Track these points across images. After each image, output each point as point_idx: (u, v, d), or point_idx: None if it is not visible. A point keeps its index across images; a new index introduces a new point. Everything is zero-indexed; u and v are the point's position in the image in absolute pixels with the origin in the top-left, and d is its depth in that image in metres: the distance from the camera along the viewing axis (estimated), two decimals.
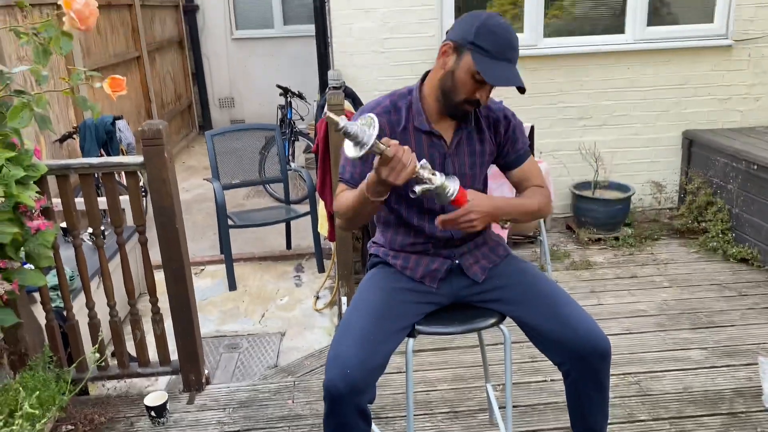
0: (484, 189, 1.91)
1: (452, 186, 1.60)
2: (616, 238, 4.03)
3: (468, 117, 1.77)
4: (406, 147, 1.49)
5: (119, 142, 4.63)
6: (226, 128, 4.33)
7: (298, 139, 5.79)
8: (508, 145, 1.84)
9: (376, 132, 1.44)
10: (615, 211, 4.00)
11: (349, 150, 1.47)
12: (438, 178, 1.58)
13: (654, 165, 4.41)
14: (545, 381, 2.59)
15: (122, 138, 4.69)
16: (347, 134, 1.44)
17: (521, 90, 1.65)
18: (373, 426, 2.06)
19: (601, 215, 4.02)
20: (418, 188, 1.58)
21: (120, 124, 4.65)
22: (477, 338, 2.17)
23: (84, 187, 2.35)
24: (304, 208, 4.26)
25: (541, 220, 3.51)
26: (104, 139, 4.43)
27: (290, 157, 5.67)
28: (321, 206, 3.56)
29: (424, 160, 1.57)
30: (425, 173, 1.56)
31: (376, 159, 1.48)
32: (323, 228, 3.57)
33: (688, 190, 4.15)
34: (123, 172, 2.42)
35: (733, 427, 2.28)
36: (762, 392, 2.43)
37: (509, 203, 1.78)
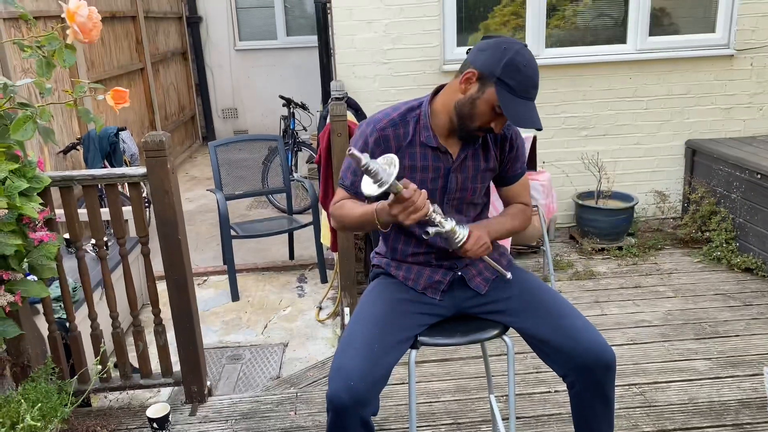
0: (486, 201, 1.92)
1: (462, 232, 1.66)
2: (620, 248, 4.02)
3: (477, 138, 1.79)
4: (423, 192, 1.53)
5: (123, 153, 4.65)
6: (230, 139, 4.35)
7: (300, 150, 5.80)
8: (510, 164, 1.87)
9: (395, 172, 1.46)
10: (618, 220, 3.99)
11: (367, 187, 1.50)
12: (448, 223, 1.63)
13: (657, 174, 4.40)
14: (549, 392, 2.58)
15: (126, 149, 4.71)
16: (368, 171, 1.46)
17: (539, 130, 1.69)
18: None
19: (605, 225, 4.01)
20: (432, 230, 1.61)
21: (123, 135, 4.67)
22: (480, 349, 2.15)
23: (87, 198, 2.35)
24: (307, 218, 4.26)
25: (545, 231, 3.50)
26: (108, 150, 4.45)
27: (293, 168, 5.69)
28: (324, 217, 3.56)
29: (435, 205, 1.61)
30: (437, 217, 1.61)
31: (391, 196, 1.51)
32: (326, 239, 3.57)
33: (692, 200, 4.15)
34: (126, 183, 2.42)
35: None
36: (767, 403, 2.42)
37: (499, 227, 1.83)
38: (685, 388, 2.58)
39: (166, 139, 2.28)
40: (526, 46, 1.64)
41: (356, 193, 1.76)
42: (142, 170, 2.33)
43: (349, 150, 1.45)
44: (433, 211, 1.59)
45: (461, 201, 1.84)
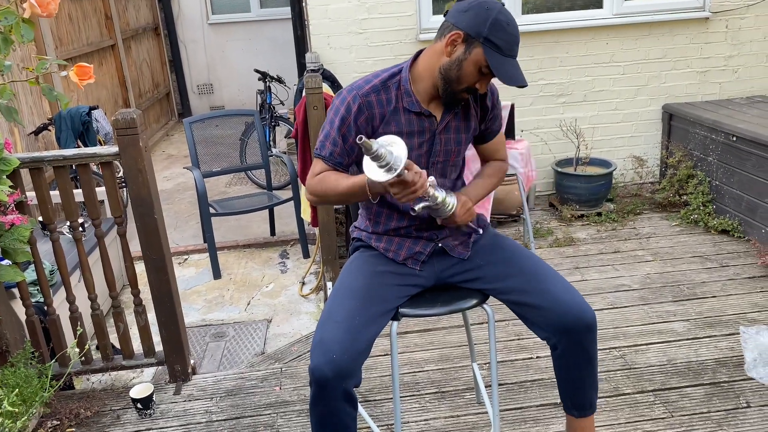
0: (463, 161, 1.92)
1: (452, 202, 1.66)
2: (599, 214, 4.05)
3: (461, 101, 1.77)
4: (423, 173, 1.53)
5: (96, 132, 4.55)
6: (205, 115, 4.28)
7: (278, 124, 5.73)
8: (490, 121, 1.88)
9: (404, 157, 1.45)
10: (597, 187, 4.01)
11: (373, 171, 1.48)
12: (440, 194, 1.63)
13: (635, 140, 4.42)
14: (531, 358, 2.61)
15: (99, 128, 4.61)
16: (378, 157, 1.44)
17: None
18: (361, 409, 2.06)
19: (584, 192, 4.03)
20: (419, 206, 1.60)
21: (96, 114, 4.56)
22: (461, 318, 2.17)
23: (59, 179, 2.30)
24: (287, 194, 4.23)
25: (524, 199, 3.51)
26: (80, 130, 4.36)
27: (271, 143, 5.62)
28: (303, 191, 3.53)
29: (432, 178, 1.60)
30: (431, 190, 1.60)
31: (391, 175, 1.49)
32: (306, 213, 3.55)
33: (669, 164, 4.18)
34: (99, 163, 2.37)
35: (716, 397, 2.31)
36: (744, 361, 2.47)
37: (479, 191, 1.88)
38: (663, 350, 2.62)
39: (137, 116, 2.23)
40: (503, 4, 1.66)
41: (334, 164, 1.74)
42: (114, 149, 2.28)
43: (360, 138, 1.41)
44: (430, 185, 1.58)
45: (445, 164, 1.83)
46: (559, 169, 4.08)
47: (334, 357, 1.55)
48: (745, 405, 2.26)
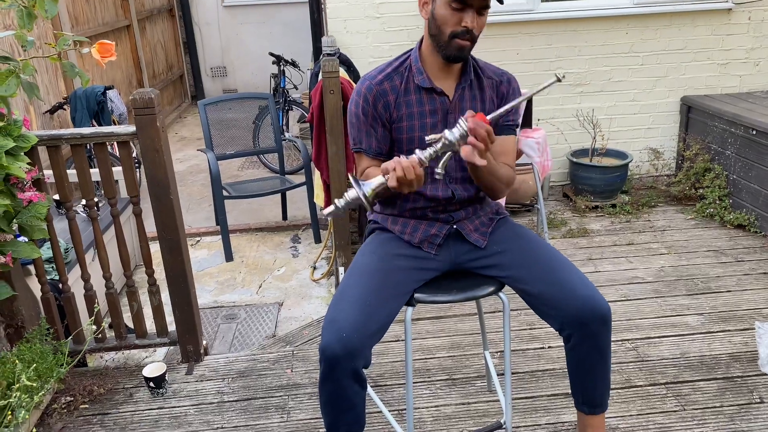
0: None
1: (460, 128, 1.50)
2: (614, 206, 4.02)
3: (467, 58, 1.75)
4: (399, 160, 1.48)
5: (111, 112, 4.56)
6: (219, 97, 4.27)
7: (292, 109, 5.72)
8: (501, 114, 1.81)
9: (362, 191, 1.50)
10: (612, 178, 3.98)
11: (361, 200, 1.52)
12: (442, 137, 1.51)
13: (651, 131, 4.38)
14: (543, 348, 2.60)
15: (114, 108, 4.62)
16: (350, 205, 1.52)
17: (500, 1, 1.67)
18: (373, 393, 2.06)
19: (599, 183, 4.00)
20: (439, 168, 1.52)
21: (111, 94, 4.57)
22: (473, 306, 2.16)
23: (76, 157, 2.31)
24: (300, 178, 4.22)
25: (539, 188, 3.49)
26: (95, 109, 4.37)
27: (284, 127, 5.61)
28: (317, 176, 3.53)
29: (418, 150, 1.52)
30: (431, 151, 1.52)
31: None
32: (319, 198, 3.54)
33: (686, 157, 4.13)
34: (115, 143, 2.37)
35: (729, 392, 2.30)
36: (758, 356, 2.45)
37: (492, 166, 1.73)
38: (677, 343, 2.61)
39: (155, 96, 2.23)
40: None
41: (376, 154, 1.78)
42: (132, 129, 2.28)
43: (321, 209, 1.49)
44: (424, 156, 1.51)
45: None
46: (575, 160, 4.05)
47: (344, 336, 1.55)
48: (758, 400, 2.24)
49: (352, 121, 1.79)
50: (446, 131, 1.51)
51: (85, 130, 2.28)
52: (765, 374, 2.38)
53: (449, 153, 1.52)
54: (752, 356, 2.48)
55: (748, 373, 2.39)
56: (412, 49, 1.81)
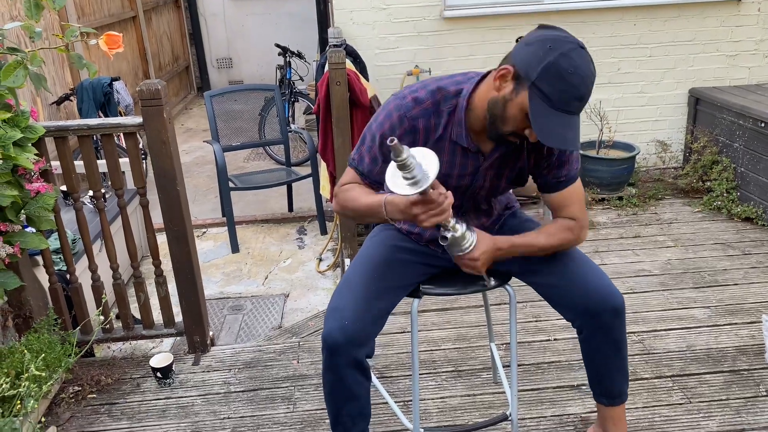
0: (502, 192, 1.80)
1: (472, 238, 1.56)
2: (620, 198, 4.00)
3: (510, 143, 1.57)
4: (450, 194, 1.40)
5: (117, 103, 4.57)
6: (225, 89, 4.27)
7: (297, 100, 5.71)
8: (548, 169, 1.64)
9: (434, 172, 1.32)
10: (619, 170, 3.97)
11: (396, 183, 1.35)
12: (461, 227, 1.52)
13: (659, 124, 4.35)
14: (548, 340, 2.60)
15: (120, 100, 4.63)
16: (405, 166, 1.32)
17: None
18: (379, 384, 2.07)
19: (605, 175, 3.99)
20: (449, 235, 1.50)
21: (117, 85, 4.58)
22: (480, 298, 2.16)
23: (83, 148, 2.31)
24: (306, 170, 4.22)
25: None
26: (102, 101, 4.37)
27: (290, 119, 5.61)
28: (323, 168, 3.52)
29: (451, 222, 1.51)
30: (452, 221, 1.50)
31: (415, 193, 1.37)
32: (325, 190, 3.54)
33: (694, 149, 4.11)
34: (122, 134, 2.38)
35: (735, 384, 2.29)
36: (765, 349, 2.44)
37: (522, 241, 1.67)
38: (683, 336, 2.60)
39: (162, 87, 2.23)
40: (582, 47, 1.37)
41: (371, 182, 1.62)
42: (138, 120, 2.28)
43: (392, 140, 1.28)
44: (451, 216, 1.46)
45: (483, 196, 1.74)
46: (582, 152, 4.04)
47: (346, 323, 1.55)
48: (764, 393, 2.24)
49: (366, 134, 1.60)
50: (467, 232, 1.54)
51: (92, 121, 2.29)
52: None
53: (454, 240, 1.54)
54: (759, 349, 2.48)
55: (754, 366, 2.39)
56: (463, 86, 1.53)
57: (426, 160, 1.35)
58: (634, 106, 4.29)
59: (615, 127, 4.20)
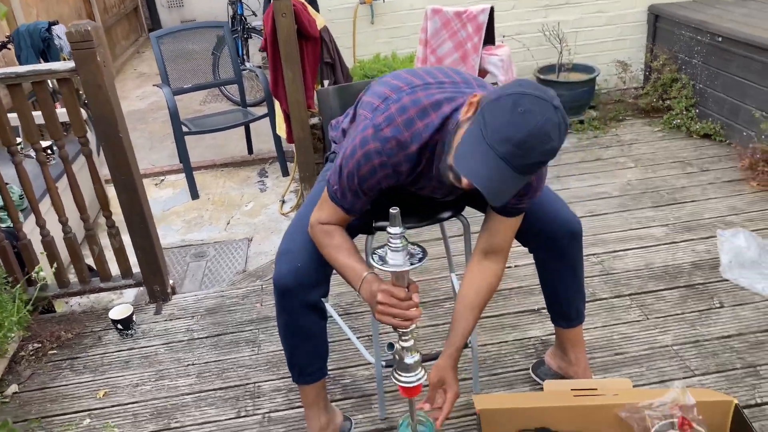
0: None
1: (418, 375, 1.40)
2: (581, 122, 3.98)
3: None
4: (420, 309, 1.32)
5: (60, 50, 4.34)
6: (173, 28, 4.07)
7: (251, 37, 5.50)
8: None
9: (419, 264, 1.27)
10: (580, 93, 3.92)
11: (393, 257, 1.27)
12: (416, 353, 1.38)
13: (619, 44, 4.29)
14: (509, 267, 2.62)
15: (62, 46, 4.38)
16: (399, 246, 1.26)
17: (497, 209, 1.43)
18: (341, 321, 2.07)
19: (566, 99, 3.94)
20: (397, 345, 1.37)
21: (57, 30, 4.33)
22: (438, 230, 2.15)
23: (14, 99, 2.19)
24: (263, 110, 4.10)
25: None
26: (41, 47, 4.14)
27: (244, 57, 5.41)
28: (278, 106, 3.42)
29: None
30: (408, 344, 1.36)
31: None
32: (281, 129, 3.45)
33: (653, 68, 4.08)
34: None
35: (690, 299, 2.35)
36: (719, 263, 2.49)
37: (463, 337, 1.53)
38: (641, 255, 2.64)
39: (92, 28, 2.10)
40: (556, 106, 1.18)
41: (350, 214, 1.50)
42: (71, 64, 2.16)
43: (394, 209, 1.23)
44: (412, 330, 1.35)
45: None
46: (542, 77, 3.98)
47: (299, 266, 1.52)
48: (718, 305, 2.30)
49: (342, 169, 1.42)
50: (419, 366, 1.39)
51: (21, 69, 2.16)
52: (726, 280, 2.43)
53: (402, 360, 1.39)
54: (714, 263, 2.53)
55: (709, 280, 2.44)
56: (446, 125, 1.35)
57: (414, 252, 1.29)
58: (593, 27, 4.21)
59: (574, 49, 4.13)
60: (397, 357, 1.39)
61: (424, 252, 1.30)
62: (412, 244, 1.30)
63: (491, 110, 1.18)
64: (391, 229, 1.25)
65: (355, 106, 1.64)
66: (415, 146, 1.37)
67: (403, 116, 1.36)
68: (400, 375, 1.39)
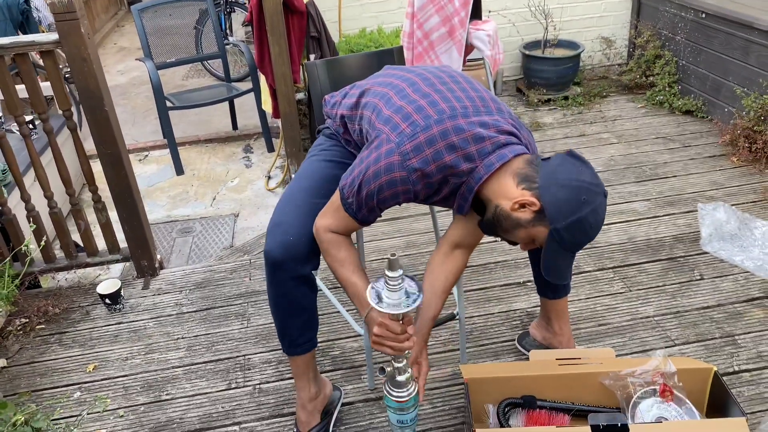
0: None
1: (410, 390, 1.43)
2: (566, 98, 4.01)
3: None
4: (414, 339, 1.37)
5: (39, 22, 4.26)
6: (154, 1, 4.00)
7: (234, 11, 5.42)
8: None
9: (414, 305, 1.29)
10: (564, 69, 3.94)
11: (389, 297, 1.29)
12: (408, 371, 1.42)
13: (603, 20, 4.30)
14: (495, 241, 2.65)
15: (42, 19, 4.31)
16: (396, 288, 1.28)
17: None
18: (330, 295, 2.09)
19: (551, 75, 3.96)
20: (388, 369, 1.40)
21: (36, 2, 4.24)
22: (426, 206, 2.16)
23: None
24: (247, 85, 4.07)
25: (491, 84, 3.43)
26: (20, 19, 4.06)
27: (228, 31, 5.34)
28: (263, 81, 3.39)
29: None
30: (401, 365, 1.40)
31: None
32: (267, 104, 3.43)
33: (637, 44, 4.10)
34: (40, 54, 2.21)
35: (671, 271, 2.40)
36: (700, 236, 2.55)
37: (432, 321, 1.56)
38: (624, 229, 2.69)
39: None
40: (605, 194, 1.38)
41: (363, 224, 1.52)
42: (54, 36, 2.13)
43: (393, 254, 1.26)
44: (405, 357, 1.40)
45: None
46: (527, 52, 3.99)
47: (291, 239, 1.54)
48: (698, 277, 2.36)
49: (361, 185, 1.42)
50: (413, 382, 1.44)
51: (3, 41, 2.12)
52: (706, 253, 2.48)
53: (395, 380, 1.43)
54: (695, 237, 2.58)
55: (690, 253, 2.50)
56: (475, 165, 1.39)
57: (411, 290, 1.31)
58: (578, 3, 4.22)
59: (559, 25, 4.14)
60: (388, 375, 1.43)
61: (420, 290, 1.32)
62: (410, 278, 1.32)
63: (570, 232, 1.35)
64: (389, 273, 1.27)
65: (358, 99, 1.61)
66: (438, 178, 1.41)
67: (431, 149, 1.37)
68: (392, 390, 1.43)
